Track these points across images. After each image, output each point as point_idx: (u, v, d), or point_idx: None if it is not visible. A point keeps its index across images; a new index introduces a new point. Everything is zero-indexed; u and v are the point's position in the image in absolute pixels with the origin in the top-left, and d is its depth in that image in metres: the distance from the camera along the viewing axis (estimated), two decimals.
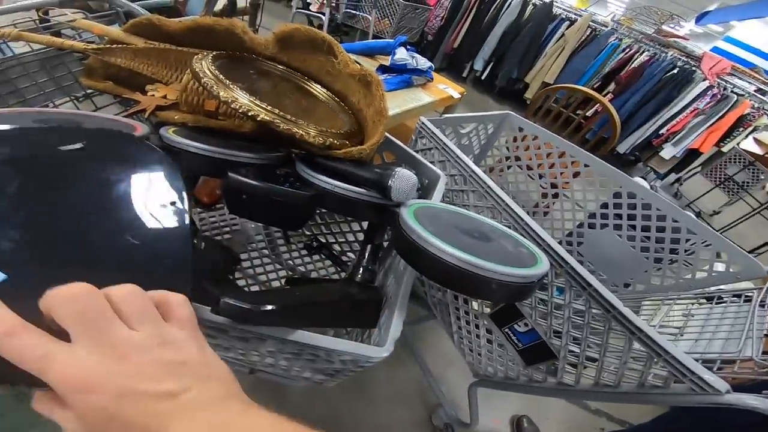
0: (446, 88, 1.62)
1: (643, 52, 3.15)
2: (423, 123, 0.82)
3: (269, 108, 0.46)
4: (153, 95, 0.57)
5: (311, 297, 0.48)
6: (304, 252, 0.93)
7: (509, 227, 0.63)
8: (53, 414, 0.22)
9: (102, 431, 0.20)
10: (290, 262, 0.91)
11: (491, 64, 3.60)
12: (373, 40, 1.83)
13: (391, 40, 1.63)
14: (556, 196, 1.22)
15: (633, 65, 3.14)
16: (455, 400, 1.12)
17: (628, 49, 3.20)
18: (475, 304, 0.79)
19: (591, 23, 3.31)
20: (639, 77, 3.08)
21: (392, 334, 0.48)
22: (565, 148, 1.11)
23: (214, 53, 0.53)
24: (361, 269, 0.62)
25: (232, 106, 0.45)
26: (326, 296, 0.51)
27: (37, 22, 0.60)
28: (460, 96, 1.63)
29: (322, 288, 0.59)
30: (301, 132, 0.47)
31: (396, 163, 0.72)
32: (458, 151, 0.75)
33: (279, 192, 0.45)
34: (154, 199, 0.33)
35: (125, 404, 0.20)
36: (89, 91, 0.64)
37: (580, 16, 3.36)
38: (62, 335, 0.21)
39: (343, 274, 0.89)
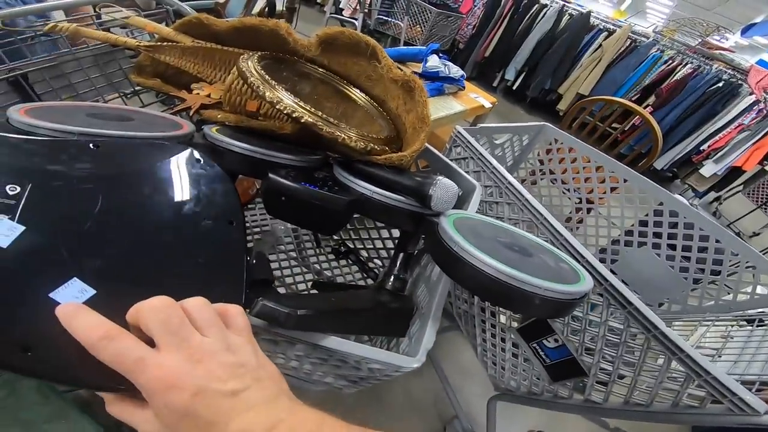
0: (477, 97, 1.60)
1: (687, 64, 3.02)
2: (459, 132, 0.80)
3: (312, 110, 0.46)
4: (198, 93, 0.58)
5: (345, 303, 0.47)
6: (331, 256, 0.92)
7: (547, 242, 0.61)
8: (128, 415, 0.25)
9: (175, 427, 0.23)
10: (317, 266, 0.91)
11: (523, 74, 3.55)
12: (405, 47, 1.82)
13: (423, 47, 1.62)
14: (589, 211, 1.18)
15: (675, 78, 3.01)
16: (471, 412, 1.09)
17: (670, 61, 3.08)
18: (503, 318, 0.76)
19: (631, 34, 3.21)
20: (681, 90, 2.95)
21: (425, 344, 0.47)
22: (603, 162, 1.07)
23: (259, 53, 0.54)
24: (392, 277, 0.61)
25: (277, 106, 0.45)
26: (360, 303, 0.50)
27: (94, 18, 0.63)
28: (491, 105, 1.60)
29: (355, 295, 0.58)
30: (343, 136, 0.46)
31: (434, 172, 0.71)
32: (495, 163, 0.73)
33: (317, 195, 0.44)
34: (216, 218, 0.37)
35: (198, 402, 0.22)
36: (137, 88, 0.65)
37: (619, 26, 3.26)
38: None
39: (369, 281, 0.88)
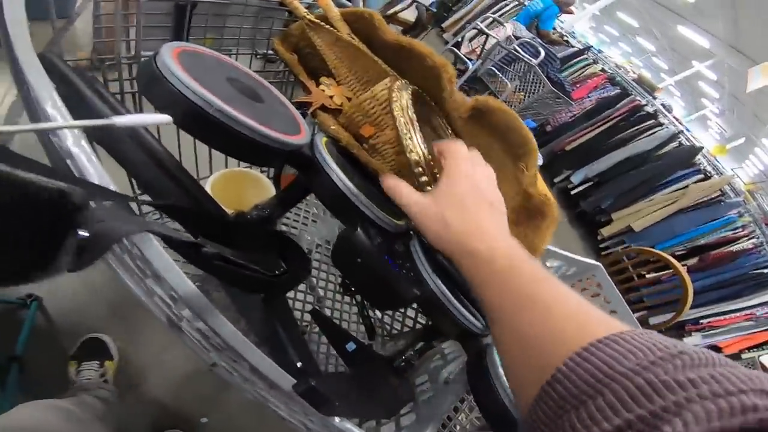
0: None
1: (752, 238, 2.73)
2: None
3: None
4: (323, 90, 0.55)
5: (375, 390, 0.44)
6: (330, 286, 0.88)
7: None
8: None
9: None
10: (321, 290, 0.87)
11: (588, 184, 3.41)
12: None
13: None
14: None
15: (731, 248, 2.75)
16: None
17: (740, 230, 2.80)
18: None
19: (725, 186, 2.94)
20: (727, 263, 2.72)
21: None
22: (629, 322, 1.02)
23: (413, 88, 0.50)
24: (403, 359, 0.57)
25: (411, 158, 0.41)
26: (381, 390, 0.47)
27: None
28: None
29: (379, 375, 0.53)
30: None
31: None
32: None
33: (393, 277, 0.39)
34: None
35: None
36: (270, 52, 0.62)
37: (720, 173, 3.01)
38: None
39: (361, 326, 0.83)
